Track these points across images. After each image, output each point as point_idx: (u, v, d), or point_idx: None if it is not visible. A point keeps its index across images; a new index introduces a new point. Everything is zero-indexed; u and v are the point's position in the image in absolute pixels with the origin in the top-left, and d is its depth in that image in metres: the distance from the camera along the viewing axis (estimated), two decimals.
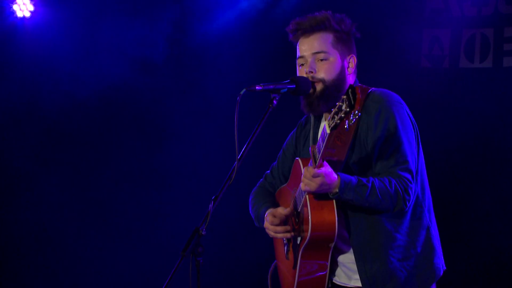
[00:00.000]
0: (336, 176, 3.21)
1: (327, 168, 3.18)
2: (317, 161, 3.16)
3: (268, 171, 3.92)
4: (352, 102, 2.86)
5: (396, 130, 3.34)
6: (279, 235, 3.56)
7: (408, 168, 3.33)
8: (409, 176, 3.32)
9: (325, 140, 3.08)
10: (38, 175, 6.71)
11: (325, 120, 3.59)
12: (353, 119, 2.89)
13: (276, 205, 3.74)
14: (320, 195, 3.30)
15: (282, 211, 3.55)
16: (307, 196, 3.32)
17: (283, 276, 3.79)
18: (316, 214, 3.29)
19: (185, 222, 5.66)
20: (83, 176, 6.71)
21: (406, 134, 3.37)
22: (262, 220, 3.68)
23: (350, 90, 2.87)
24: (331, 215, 3.29)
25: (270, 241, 3.92)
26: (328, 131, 3.02)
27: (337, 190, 3.23)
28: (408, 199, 3.31)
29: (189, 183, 6.59)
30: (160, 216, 6.64)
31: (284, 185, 3.78)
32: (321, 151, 3.13)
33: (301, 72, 3.51)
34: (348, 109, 2.88)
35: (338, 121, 2.94)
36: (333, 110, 2.96)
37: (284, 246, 3.72)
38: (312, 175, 3.18)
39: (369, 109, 3.39)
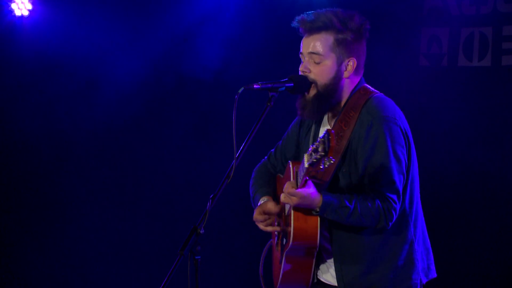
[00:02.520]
0: (318, 196, 3.24)
1: (308, 189, 3.21)
2: (299, 183, 3.21)
3: (273, 149, 3.90)
4: (326, 149, 2.90)
5: (384, 148, 3.32)
6: (268, 228, 3.57)
7: (394, 188, 3.32)
8: (394, 197, 3.32)
9: (304, 170, 3.12)
10: (38, 175, 6.71)
11: (326, 123, 3.59)
12: (327, 162, 2.93)
13: (273, 189, 3.73)
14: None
15: (272, 207, 3.55)
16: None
17: (274, 259, 3.78)
18: (298, 225, 3.32)
19: (183, 221, 5.67)
20: (80, 176, 6.71)
21: (395, 153, 3.33)
22: (256, 205, 3.68)
23: (327, 134, 2.91)
24: (314, 227, 3.32)
25: (269, 239, 3.92)
26: (305, 165, 3.07)
27: (317, 210, 3.26)
28: (391, 219, 3.32)
29: (187, 182, 6.58)
30: (158, 215, 6.64)
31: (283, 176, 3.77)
32: (301, 177, 3.17)
33: (300, 67, 3.50)
34: (323, 153, 2.92)
35: (315, 160, 2.98)
36: (311, 148, 3.01)
37: (275, 236, 3.73)
38: (291, 194, 3.22)
39: (363, 119, 3.38)
